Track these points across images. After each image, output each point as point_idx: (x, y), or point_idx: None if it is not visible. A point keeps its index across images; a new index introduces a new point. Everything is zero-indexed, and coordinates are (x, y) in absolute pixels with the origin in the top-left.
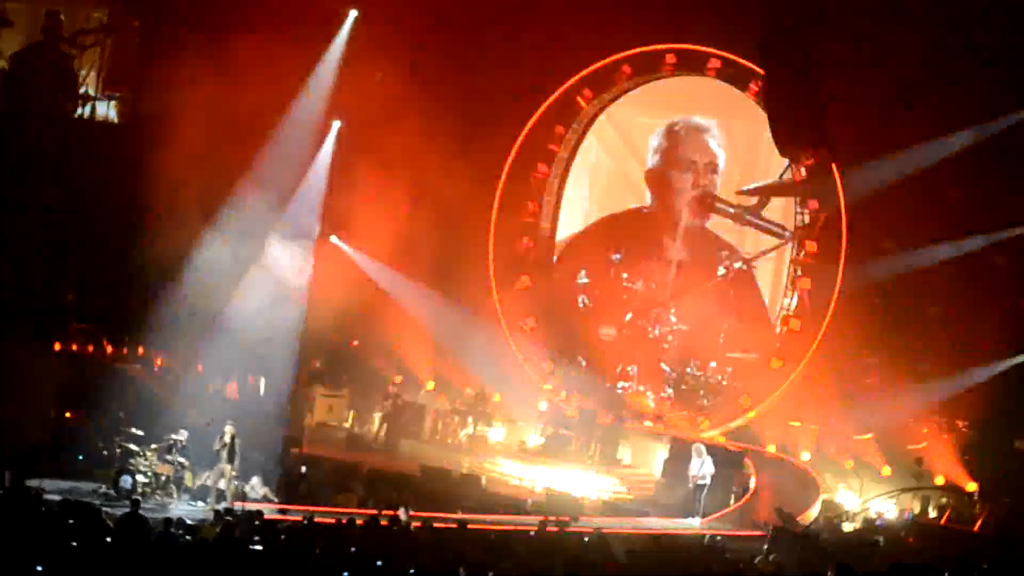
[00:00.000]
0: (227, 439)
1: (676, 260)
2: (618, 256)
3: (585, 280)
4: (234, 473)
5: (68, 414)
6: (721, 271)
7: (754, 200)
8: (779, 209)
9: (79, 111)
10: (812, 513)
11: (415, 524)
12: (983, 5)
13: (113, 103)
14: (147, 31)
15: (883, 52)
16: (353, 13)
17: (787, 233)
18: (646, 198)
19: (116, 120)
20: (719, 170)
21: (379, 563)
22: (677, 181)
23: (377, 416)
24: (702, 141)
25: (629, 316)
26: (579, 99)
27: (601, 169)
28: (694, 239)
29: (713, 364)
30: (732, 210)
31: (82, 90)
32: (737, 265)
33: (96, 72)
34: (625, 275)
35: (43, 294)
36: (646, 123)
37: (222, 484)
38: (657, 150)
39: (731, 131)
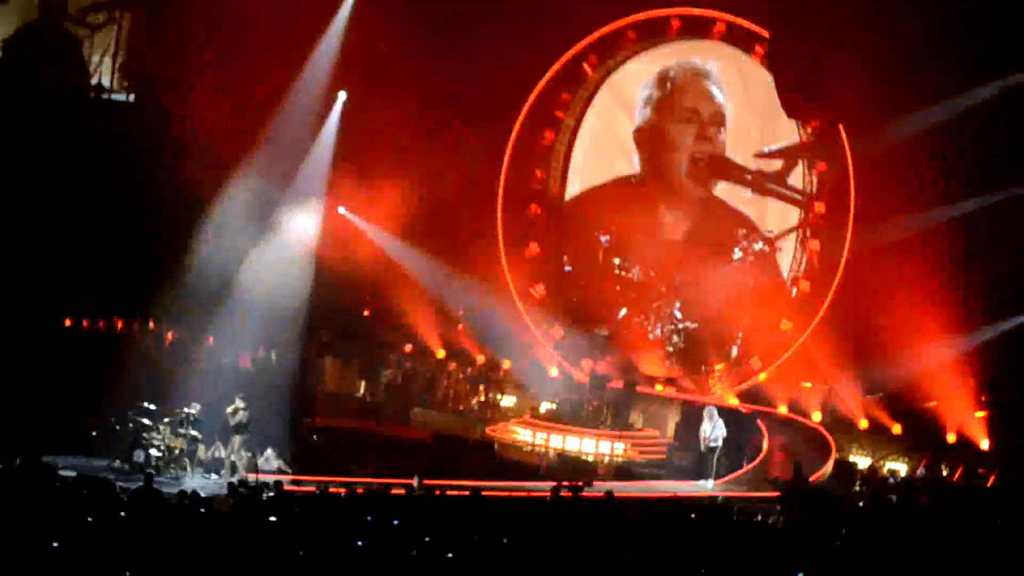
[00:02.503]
0: (238, 411)
1: (679, 238)
2: (606, 238)
3: (568, 268)
4: (246, 445)
5: (80, 390)
6: (738, 253)
7: (778, 165)
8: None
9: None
10: (825, 473)
11: (428, 492)
12: None
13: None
14: (154, 7)
15: (891, 11)
16: None
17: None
18: (634, 163)
19: (126, 98)
20: (727, 123)
21: (393, 532)
22: (676, 135)
23: (387, 385)
24: (703, 88)
25: (624, 313)
26: (585, 65)
27: (586, 131)
28: (702, 211)
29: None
30: (750, 176)
31: (94, 80)
32: (758, 246)
33: (111, 58)
34: (617, 260)
35: (52, 271)
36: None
37: (235, 456)
38: (648, 101)
39: (748, 84)
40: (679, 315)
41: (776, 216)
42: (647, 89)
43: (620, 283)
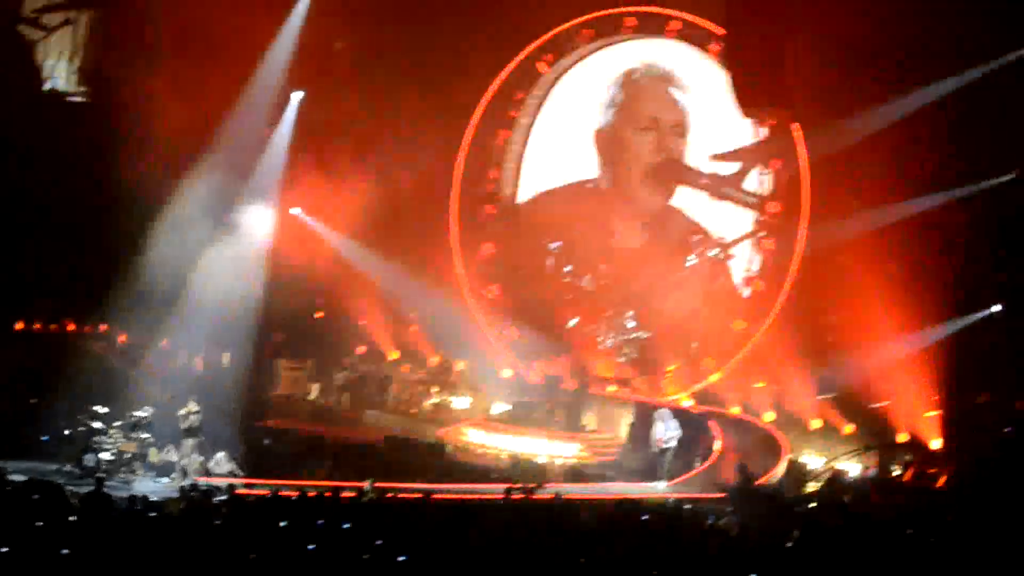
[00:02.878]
0: (190, 414)
1: (633, 247)
2: (557, 245)
3: (496, 294)
4: (198, 449)
5: (31, 393)
6: (692, 259)
7: (735, 168)
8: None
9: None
10: (777, 473)
11: (380, 495)
12: None
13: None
14: (110, 6)
15: (845, 9)
16: None
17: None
18: (593, 166)
19: (81, 99)
20: (687, 132)
21: (345, 535)
22: (634, 143)
23: (339, 387)
24: (666, 94)
25: (575, 322)
26: (539, 64)
27: (541, 132)
28: (656, 219)
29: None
30: (706, 180)
31: (47, 85)
32: (712, 253)
33: (67, 60)
34: (568, 268)
35: (3, 273)
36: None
37: (186, 460)
38: (611, 104)
39: (707, 83)
40: (632, 324)
41: (732, 218)
42: (612, 89)
43: (571, 291)
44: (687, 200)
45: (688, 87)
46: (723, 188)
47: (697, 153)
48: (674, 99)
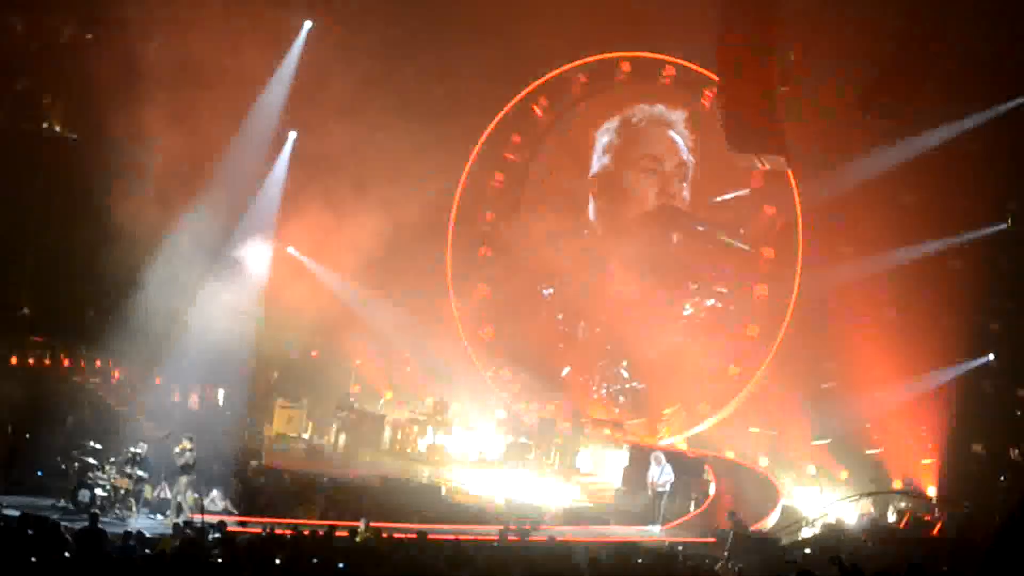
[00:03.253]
0: (185, 451)
1: (629, 294)
2: (549, 291)
3: (491, 335)
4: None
5: (25, 428)
6: (689, 309)
7: (730, 214)
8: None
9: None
10: (772, 519)
11: (375, 535)
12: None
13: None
14: (103, 43)
15: (839, 57)
16: (308, 24)
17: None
18: (588, 212)
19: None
20: (688, 177)
21: (339, 574)
22: (636, 186)
23: (334, 427)
24: (667, 138)
25: (567, 371)
26: (535, 108)
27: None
28: (653, 265)
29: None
30: (702, 229)
31: (44, 124)
32: (709, 303)
33: (62, 99)
34: (560, 316)
35: None
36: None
37: (181, 497)
38: (608, 148)
39: (703, 132)
40: (626, 375)
41: (727, 265)
42: (607, 135)
43: (563, 340)
44: (684, 246)
45: (686, 132)
46: (719, 235)
47: (695, 198)
48: (675, 143)
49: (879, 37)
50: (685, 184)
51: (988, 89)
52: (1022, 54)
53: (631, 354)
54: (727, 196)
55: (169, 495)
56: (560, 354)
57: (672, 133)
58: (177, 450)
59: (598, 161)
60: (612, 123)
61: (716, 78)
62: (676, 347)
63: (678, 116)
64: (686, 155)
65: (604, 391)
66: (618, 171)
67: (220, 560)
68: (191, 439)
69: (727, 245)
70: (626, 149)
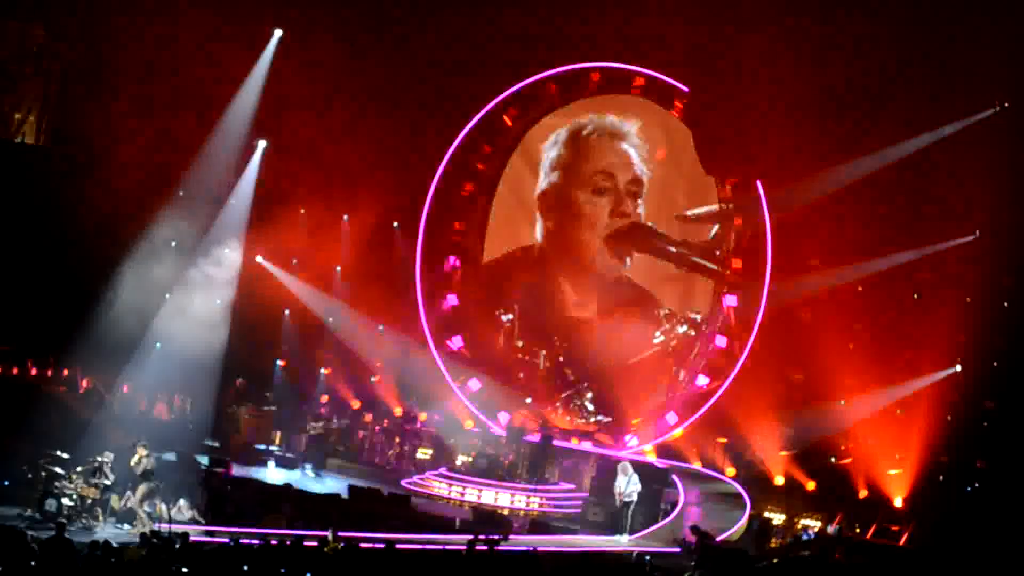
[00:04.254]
0: (143, 459)
1: (588, 317)
2: (508, 317)
3: (460, 345)
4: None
5: None
6: (659, 337)
7: (701, 228)
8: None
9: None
10: (739, 529)
11: (343, 545)
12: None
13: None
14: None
15: (809, 69)
16: (278, 33)
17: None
18: (537, 231)
19: (41, 142)
20: (643, 193)
21: None
22: (586, 206)
23: (304, 437)
24: (619, 151)
25: (529, 400)
26: (505, 117)
27: (501, 189)
28: (613, 288)
29: None
30: (674, 249)
31: (17, 139)
32: (682, 329)
33: (36, 113)
34: (520, 343)
35: None
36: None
37: (146, 505)
38: (556, 163)
39: (673, 144)
40: (591, 407)
41: (692, 283)
42: (555, 149)
43: (524, 369)
44: (645, 266)
45: (643, 144)
46: (691, 256)
47: (663, 215)
48: (627, 156)
49: (849, 47)
50: (639, 201)
51: (958, 100)
52: (992, 65)
53: (595, 384)
54: (699, 211)
55: (135, 504)
56: (522, 384)
57: (624, 145)
58: (133, 461)
59: (546, 177)
60: (561, 134)
61: (686, 89)
62: (643, 376)
63: (631, 127)
64: (641, 169)
65: (568, 418)
66: (567, 188)
67: (186, 570)
68: (145, 446)
69: (695, 263)
70: (576, 164)
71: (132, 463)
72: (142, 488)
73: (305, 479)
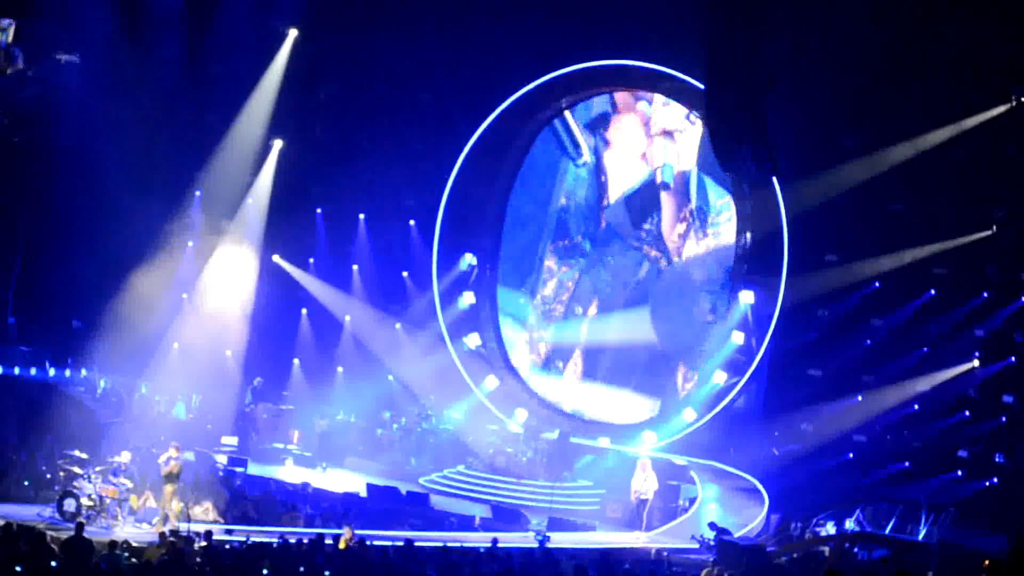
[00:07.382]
0: (171, 460)
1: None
2: None
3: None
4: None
5: (11, 438)
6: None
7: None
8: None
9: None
10: (757, 525)
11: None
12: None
13: None
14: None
15: (825, 66)
16: (293, 33)
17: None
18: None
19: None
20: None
21: None
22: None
23: (317, 435)
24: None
25: (546, 397)
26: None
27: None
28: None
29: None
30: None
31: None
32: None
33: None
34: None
35: None
36: None
37: (167, 506)
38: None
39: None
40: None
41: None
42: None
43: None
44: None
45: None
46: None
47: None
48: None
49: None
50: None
51: (973, 95)
52: (1007, 60)
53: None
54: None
55: (155, 504)
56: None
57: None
58: (162, 459)
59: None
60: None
61: (702, 86)
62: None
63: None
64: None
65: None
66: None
67: (206, 569)
68: (177, 447)
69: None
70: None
71: (160, 461)
72: (168, 488)
73: (322, 476)
